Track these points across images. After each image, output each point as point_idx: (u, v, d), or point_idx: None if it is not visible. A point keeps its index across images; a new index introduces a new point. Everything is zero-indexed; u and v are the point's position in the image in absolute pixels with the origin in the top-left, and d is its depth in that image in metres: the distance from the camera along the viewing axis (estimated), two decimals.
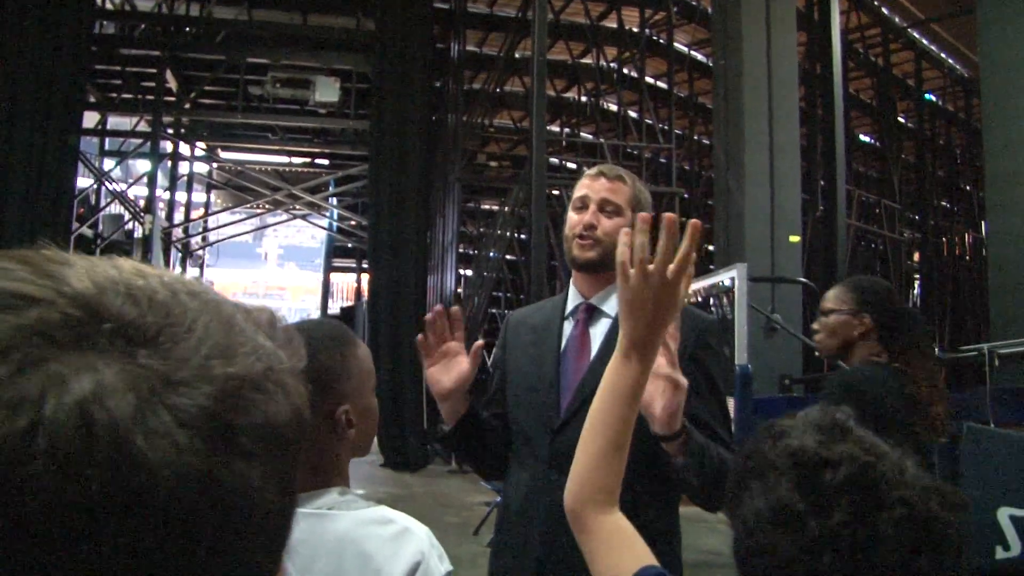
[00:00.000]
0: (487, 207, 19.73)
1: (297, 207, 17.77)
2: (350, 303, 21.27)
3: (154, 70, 13.61)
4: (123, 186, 15.29)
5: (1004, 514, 5.46)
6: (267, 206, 17.84)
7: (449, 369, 1.80)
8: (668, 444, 1.60)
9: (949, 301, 18.88)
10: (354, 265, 21.39)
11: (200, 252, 19.01)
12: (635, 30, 15.37)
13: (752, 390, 6.00)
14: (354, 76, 14.01)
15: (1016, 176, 9.31)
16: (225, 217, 19.18)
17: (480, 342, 1.83)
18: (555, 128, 17.66)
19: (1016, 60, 9.40)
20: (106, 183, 14.35)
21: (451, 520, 7.63)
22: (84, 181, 13.99)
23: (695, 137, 18.61)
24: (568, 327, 1.99)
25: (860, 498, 0.77)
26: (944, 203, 20.52)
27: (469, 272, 17.35)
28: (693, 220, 1.13)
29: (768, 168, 10.76)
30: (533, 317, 2.08)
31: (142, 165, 15.65)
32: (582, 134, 18.15)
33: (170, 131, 15.26)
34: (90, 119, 13.97)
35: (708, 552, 5.86)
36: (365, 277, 17.40)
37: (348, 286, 24.57)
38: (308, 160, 19.01)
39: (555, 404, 1.89)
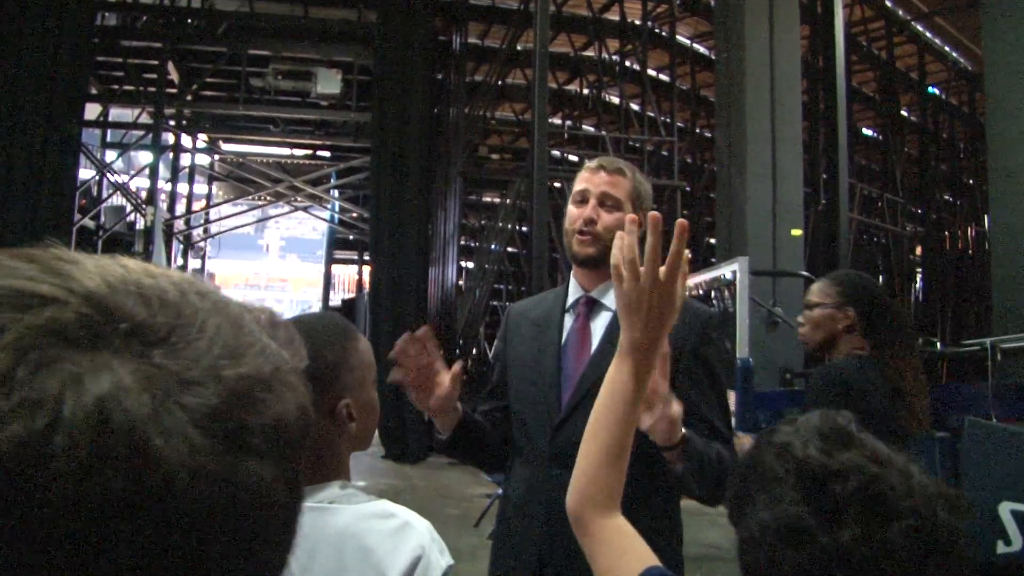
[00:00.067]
0: (489, 200, 19.73)
1: (299, 199, 17.77)
2: (351, 295, 21.28)
3: (156, 62, 13.60)
4: (125, 178, 15.31)
5: (1005, 509, 5.46)
6: (269, 198, 17.84)
7: (431, 390, 1.75)
8: (667, 453, 1.60)
9: (951, 295, 18.85)
10: (355, 257, 21.42)
11: (202, 244, 19.03)
12: (637, 23, 15.33)
13: (753, 384, 6.00)
14: (356, 68, 13.99)
15: (1019, 170, 9.28)
16: (227, 209, 19.18)
17: (457, 367, 1.77)
18: (557, 121, 17.65)
19: (1021, 54, 9.37)
20: (108, 175, 14.34)
21: (452, 512, 7.65)
22: (86, 173, 13.99)
23: (697, 130, 18.57)
24: (569, 321, 1.98)
25: (870, 510, 0.77)
26: (947, 197, 20.47)
27: (470, 265, 17.35)
28: (680, 220, 1.14)
29: (770, 161, 10.74)
30: (534, 310, 2.07)
31: (144, 157, 15.64)
32: (584, 127, 18.11)
33: (172, 123, 15.25)
34: (92, 111, 13.95)
35: (709, 546, 5.87)
36: (366, 269, 17.42)
37: (349, 278, 24.60)
38: (310, 152, 19.01)
39: (556, 399, 1.88)
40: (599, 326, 1.93)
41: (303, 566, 1.08)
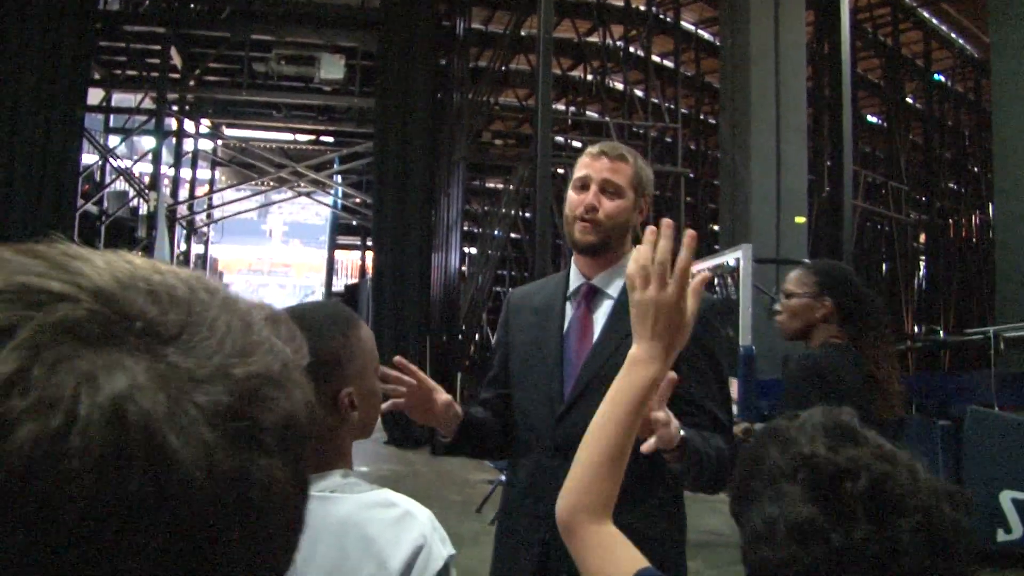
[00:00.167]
0: (492, 185, 19.70)
1: (302, 184, 17.77)
2: (355, 281, 21.30)
3: (159, 47, 13.58)
4: (128, 163, 15.30)
5: (1006, 497, 5.48)
6: (272, 183, 17.84)
7: (429, 404, 1.76)
8: (666, 454, 1.61)
9: (955, 283, 18.82)
10: (359, 243, 21.43)
11: (205, 229, 19.04)
12: (642, 8, 15.27)
13: (755, 371, 6.00)
14: (359, 53, 13.95)
15: None
16: (230, 194, 19.20)
17: (448, 397, 1.79)
18: (560, 107, 17.60)
19: None
20: (111, 160, 14.34)
21: (454, 498, 7.67)
22: (89, 158, 13.99)
23: (701, 117, 18.53)
24: (570, 309, 1.97)
25: (880, 508, 0.77)
26: (951, 185, 20.41)
27: (473, 250, 17.34)
28: (689, 231, 1.14)
29: (774, 148, 10.72)
30: (535, 298, 2.06)
31: (147, 142, 15.62)
32: (588, 113, 18.07)
33: (175, 108, 15.24)
34: (95, 96, 13.94)
35: (709, 532, 5.89)
36: (369, 255, 17.42)
37: (352, 264, 24.62)
38: (313, 137, 18.99)
39: (558, 389, 1.88)
40: (601, 315, 1.92)
41: (304, 556, 1.08)
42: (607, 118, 14.53)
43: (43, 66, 10.76)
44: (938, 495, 0.79)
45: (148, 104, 14.54)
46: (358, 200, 17.76)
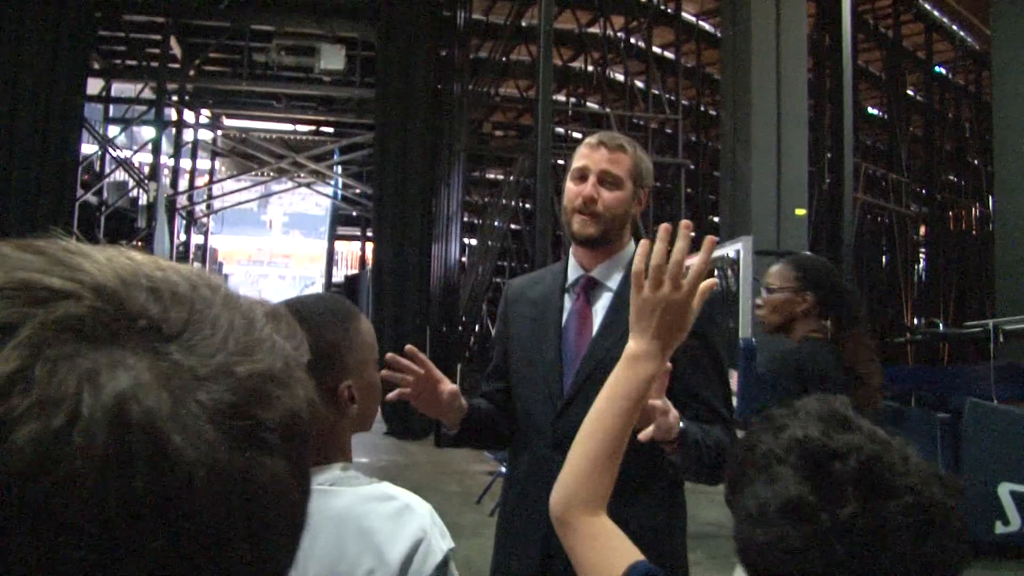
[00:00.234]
0: (492, 176, 19.67)
1: (302, 175, 17.76)
2: (354, 271, 21.30)
3: (158, 36, 13.54)
4: (127, 153, 15.28)
5: (1005, 489, 5.50)
6: (272, 174, 17.82)
7: (434, 395, 1.76)
8: (666, 445, 1.61)
9: (955, 276, 18.82)
10: (359, 233, 21.42)
11: (205, 220, 19.02)
12: None
13: (756, 364, 6.01)
14: (359, 44, 13.91)
15: None
16: (230, 185, 19.16)
17: (454, 387, 1.78)
18: (561, 97, 17.56)
19: None
20: (110, 150, 14.32)
21: (454, 489, 7.69)
22: (88, 148, 13.97)
23: (702, 108, 18.48)
24: (568, 302, 1.96)
25: (869, 488, 0.78)
26: (952, 177, 20.39)
27: (474, 241, 17.33)
28: (709, 236, 1.13)
29: (775, 140, 10.69)
30: (532, 290, 2.05)
31: (147, 132, 15.60)
32: (588, 104, 18.04)
33: (175, 98, 15.20)
34: (94, 86, 13.90)
35: (709, 524, 5.90)
36: (369, 246, 17.41)
37: (352, 254, 24.60)
38: (313, 128, 18.96)
39: (558, 383, 1.87)
40: (600, 307, 1.91)
41: (303, 549, 1.08)
42: (608, 109, 14.50)
43: (42, 55, 10.73)
44: (929, 479, 0.79)
45: (148, 94, 14.52)
46: (358, 191, 17.74)
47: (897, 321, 16.66)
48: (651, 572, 0.97)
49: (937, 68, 19.30)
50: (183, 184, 16.78)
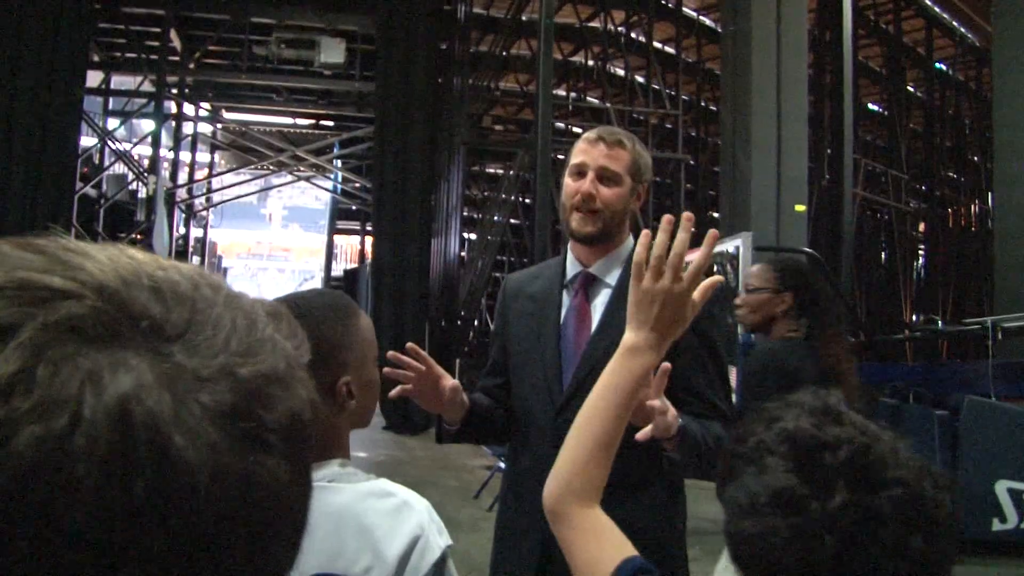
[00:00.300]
0: (492, 171, 19.66)
1: (301, 169, 17.73)
2: (354, 266, 21.29)
3: (158, 29, 13.52)
4: (127, 146, 15.25)
5: (1002, 487, 5.51)
6: (271, 167, 17.80)
7: (436, 391, 1.75)
8: (665, 442, 1.61)
9: (954, 272, 18.83)
10: (358, 227, 21.41)
11: (204, 213, 19.02)
12: None
13: None
14: (359, 37, 13.89)
15: None
16: (229, 178, 19.17)
17: (455, 383, 1.78)
18: (561, 92, 17.55)
19: None
20: (110, 143, 14.30)
21: (452, 483, 7.70)
22: (88, 141, 13.94)
23: (702, 103, 18.48)
24: (566, 297, 1.95)
25: (859, 479, 0.78)
26: (951, 174, 20.38)
27: (473, 236, 17.33)
28: (712, 230, 1.12)
29: (775, 136, 10.68)
30: (531, 285, 2.03)
31: (146, 125, 15.57)
32: (588, 98, 18.02)
33: (174, 91, 15.18)
34: (94, 78, 13.89)
35: (707, 519, 5.89)
36: (369, 240, 17.41)
37: (352, 248, 24.62)
38: (313, 122, 18.94)
39: (557, 380, 1.86)
40: (599, 304, 1.90)
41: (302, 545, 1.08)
42: (608, 104, 14.48)
43: (42, 48, 10.71)
44: (920, 473, 0.79)
45: (147, 87, 14.47)
46: (358, 185, 17.72)
47: (896, 318, 16.68)
48: (644, 567, 0.97)
49: (937, 64, 19.27)
50: (183, 177, 16.78)
